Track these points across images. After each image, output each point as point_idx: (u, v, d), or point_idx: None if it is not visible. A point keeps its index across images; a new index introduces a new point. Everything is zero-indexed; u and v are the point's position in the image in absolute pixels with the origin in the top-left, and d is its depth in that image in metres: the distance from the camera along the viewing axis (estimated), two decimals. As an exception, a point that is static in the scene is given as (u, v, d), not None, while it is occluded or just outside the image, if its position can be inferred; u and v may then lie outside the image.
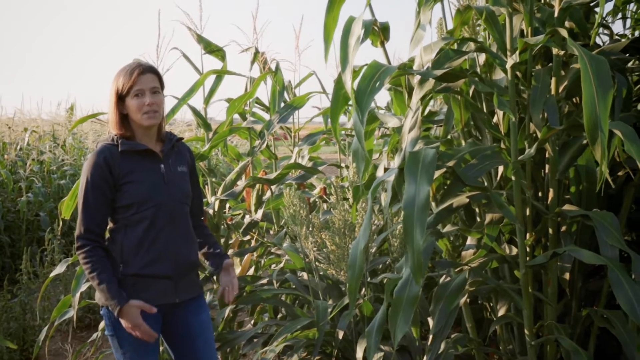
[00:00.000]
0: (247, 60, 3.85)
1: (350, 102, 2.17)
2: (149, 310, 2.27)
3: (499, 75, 2.52)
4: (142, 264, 2.30)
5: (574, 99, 2.56)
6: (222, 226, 3.63)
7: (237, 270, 3.56)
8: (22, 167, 7.38)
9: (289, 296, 3.66)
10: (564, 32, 2.09)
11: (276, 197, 3.71)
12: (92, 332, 4.24)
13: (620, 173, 2.60)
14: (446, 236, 2.78)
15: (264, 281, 3.45)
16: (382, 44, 2.72)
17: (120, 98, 2.34)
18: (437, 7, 2.61)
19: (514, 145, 2.31)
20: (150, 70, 2.37)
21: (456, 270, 2.54)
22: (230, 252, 3.57)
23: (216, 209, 3.50)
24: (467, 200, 2.42)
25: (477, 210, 2.74)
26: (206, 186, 3.79)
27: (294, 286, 3.39)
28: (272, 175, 3.53)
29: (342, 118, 4.44)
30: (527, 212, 2.43)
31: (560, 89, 2.43)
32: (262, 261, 3.85)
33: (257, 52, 3.86)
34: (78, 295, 3.18)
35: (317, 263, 3.12)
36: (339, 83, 2.20)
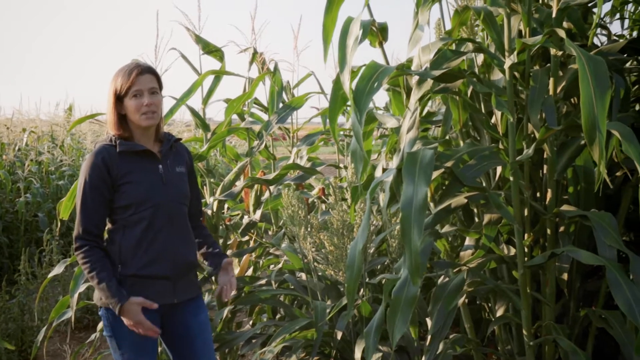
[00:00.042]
0: (245, 60, 3.86)
1: (348, 103, 2.17)
2: (150, 306, 2.27)
3: (497, 75, 2.52)
4: (140, 264, 2.30)
5: (572, 100, 2.56)
6: (221, 227, 3.63)
7: (236, 270, 3.56)
8: (21, 168, 7.37)
9: (287, 297, 3.66)
10: (561, 33, 2.09)
11: (275, 198, 3.71)
12: (91, 332, 4.24)
13: (618, 173, 2.60)
14: (444, 237, 2.78)
15: (263, 282, 3.45)
16: (381, 45, 2.72)
17: (119, 98, 2.34)
18: (436, 7, 2.61)
19: (512, 145, 2.32)
20: (149, 70, 2.37)
21: (454, 270, 2.54)
22: (228, 252, 3.56)
23: (215, 209, 3.50)
24: (466, 200, 2.42)
25: (475, 210, 2.74)
26: (205, 187, 3.79)
27: (292, 287, 3.39)
28: (271, 176, 3.53)
29: (341, 118, 4.44)
30: (525, 213, 2.43)
31: (558, 90, 2.44)
32: (261, 262, 3.85)
33: (255, 53, 3.86)
34: (76, 296, 3.18)
35: (315, 263, 3.12)
36: (337, 83, 2.20)
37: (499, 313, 2.66)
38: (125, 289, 2.26)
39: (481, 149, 2.43)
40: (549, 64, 2.46)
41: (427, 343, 2.47)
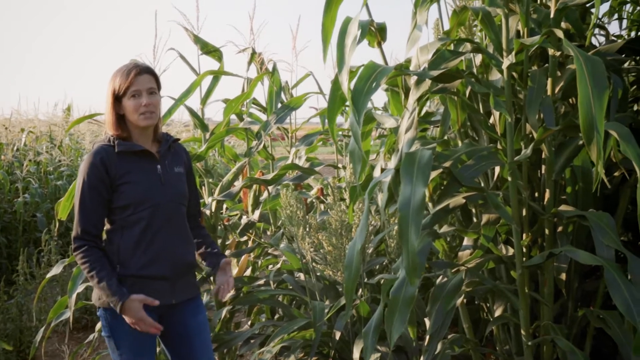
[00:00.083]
0: (244, 61, 3.86)
1: (347, 103, 2.17)
2: (151, 303, 2.27)
3: (495, 76, 2.52)
4: (139, 265, 2.30)
5: (570, 100, 2.57)
6: (219, 227, 3.63)
7: (234, 270, 3.56)
8: (19, 168, 7.37)
9: (286, 297, 3.66)
10: (559, 33, 2.10)
11: (273, 198, 3.71)
12: (89, 333, 4.23)
13: (616, 174, 2.60)
14: (443, 237, 2.78)
15: (261, 282, 3.45)
16: (379, 45, 2.72)
17: (117, 99, 2.34)
18: (434, 7, 2.62)
19: (510, 145, 2.32)
20: (147, 71, 2.37)
21: (453, 270, 2.54)
22: (227, 252, 3.57)
23: (213, 209, 3.50)
24: (464, 200, 2.42)
25: (473, 210, 2.74)
26: (203, 187, 3.79)
27: (291, 287, 3.40)
28: (269, 176, 3.53)
29: (340, 119, 4.44)
30: (524, 213, 2.44)
31: (556, 90, 2.44)
32: (259, 262, 3.85)
33: (254, 53, 3.87)
34: (74, 296, 3.17)
35: (314, 264, 3.12)
36: (335, 84, 2.20)
37: (497, 313, 2.66)
38: (125, 288, 2.26)
39: (479, 149, 2.43)
40: (547, 64, 2.46)
41: (426, 343, 2.47)
